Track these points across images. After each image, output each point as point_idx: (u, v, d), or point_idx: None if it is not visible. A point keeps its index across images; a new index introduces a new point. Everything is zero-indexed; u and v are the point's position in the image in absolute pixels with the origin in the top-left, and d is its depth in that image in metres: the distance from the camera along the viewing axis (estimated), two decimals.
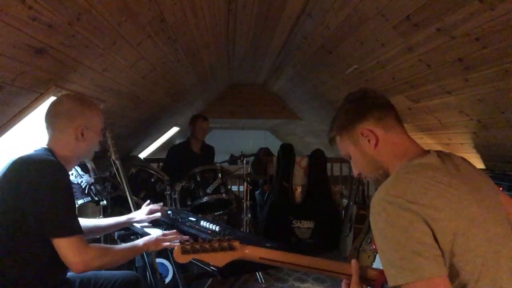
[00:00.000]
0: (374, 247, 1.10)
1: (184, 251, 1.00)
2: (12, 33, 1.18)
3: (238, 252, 1.05)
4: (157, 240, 1.55)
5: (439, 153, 0.97)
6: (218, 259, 1.03)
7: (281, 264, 1.09)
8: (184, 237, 1.64)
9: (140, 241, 1.53)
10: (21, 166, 1.25)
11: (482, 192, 0.91)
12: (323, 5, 2.02)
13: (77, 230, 1.25)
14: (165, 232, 1.65)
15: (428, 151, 0.98)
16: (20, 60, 1.34)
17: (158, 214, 1.89)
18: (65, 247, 1.22)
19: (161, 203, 1.97)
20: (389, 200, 0.84)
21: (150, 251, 1.57)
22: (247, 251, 1.06)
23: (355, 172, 1.11)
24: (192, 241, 1.02)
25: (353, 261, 1.06)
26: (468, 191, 0.87)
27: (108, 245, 1.43)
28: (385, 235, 0.83)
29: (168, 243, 1.57)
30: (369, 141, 1.01)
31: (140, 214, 1.83)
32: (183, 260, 1.01)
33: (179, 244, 1.01)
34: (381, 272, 1.04)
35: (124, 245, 1.50)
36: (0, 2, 1.05)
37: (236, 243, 1.04)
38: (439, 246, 0.81)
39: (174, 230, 1.69)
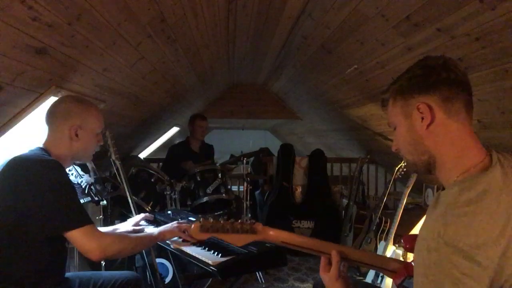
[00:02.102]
0: (407, 246, 1.07)
1: (204, 229, 0.99)
2: (12, 33, 1.18)
3: (260, 235, 1.04)
4: (172, 227, 1.59)
5: (501, 163, 0.83)
6: (237, 240, 1.04)
7: (301, 248, 1.08)
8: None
9: (155, 230, 1.57)
10: (18, 166, 1.25)
11: None
12: (323, 5, 2.02)
13: (88, 219, 1.27)
14: (180, 221, 1.68)
15: (490, 157, 0.84)
16: (20, 60, 1.34)
17: (144, 224, 1.90)
18: (80, 237, 1.24)
19: (147, 213, 1.97)
20: (446, 241, 0.72)
21: (166, 239, 1.61)
22: (271, 232, 1.06)
23: (394, 147, 0.98)
24: (213, 220, 1.02)
25: (334, 252, 1.04)
26: None
27: (124, 233, 1.46)
28: (427, 275, 0.74)
29: (183, 233, 1.60)
30: (422, 119, 0.87)
31: (126, 226, 1.83)
32: (201, 237, 1.01)
33: (194, 223, 1.01)
34: (404, 266, 1.03)
35: (139, 234, 1.52)
36: (0, 2, 1.05)
37: (258, 226, 1.05)
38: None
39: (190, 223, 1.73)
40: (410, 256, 1.06)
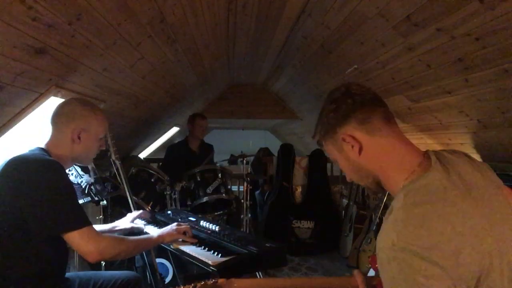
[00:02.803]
0: (376, 266, 1.06)
1: None
2: (12, 33, 1.18)
3: None
4: (172, 230, 1.59)
5: (441, 161, 0.85)
6: None
7: None
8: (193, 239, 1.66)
9: (154, 233, 1.56)
10: (18, 166, 1.25)
11: (490, 205, 0.80)
12: (323, 5, 2.02)
13: (86, 221, 1.27)
14: (179, 222, 1.68)
15: (428, 159, 0.85)
16: (20, 60, 1.34)
17: (143, 223, 1.90)
18: (78, 238, 1.24)
19: (143, 211, 1.97)
20: (401, 247, 0.72)
21: (165, 242, 1.61)
22: (235, 285, 1.03)
23: (347, 178, 1.02)
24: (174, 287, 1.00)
25: (356, 271, 1.04)
26: (480, 214, 0.76)
27: (121, 236, 1.45)
28: (395, 286, 0.73)
29: (183, 235, 1.60)
30: (352, 147, 0.90)
31: (124, 222, 1.84)
32: None
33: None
34: (378, 282, 1.03)
35: (138, 236, 1.52)
36: (0, 2, 1.05)
37: (222, 281, 1.01)
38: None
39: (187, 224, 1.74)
40: None
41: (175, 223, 1.68)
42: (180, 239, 1.64)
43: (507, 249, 0.76)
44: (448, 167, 0.83)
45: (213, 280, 1.01)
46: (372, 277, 1.09)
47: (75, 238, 1.24)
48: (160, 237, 1.55)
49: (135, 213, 1.91)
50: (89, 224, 1.28)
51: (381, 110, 0.90)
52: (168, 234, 1.58)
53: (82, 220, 1.26)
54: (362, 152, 0.89)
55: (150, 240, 1.53)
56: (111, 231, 1.79)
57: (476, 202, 0.78)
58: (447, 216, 0.74)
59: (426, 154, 0.88)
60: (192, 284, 1.01)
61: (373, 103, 0.90)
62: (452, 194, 0.77)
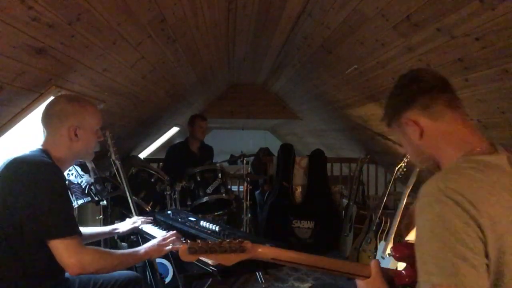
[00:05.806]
0: (397, 255, 1.07)
1: (192, 251, 0.97)
2: (12, 33, 1.18)
3: (249, 253, 1.02)
4: (159, 246, 1.53)
5: (508, 153, 0.88)
6: (227, 259, 1.01)
7: (292, 264, 1.07)
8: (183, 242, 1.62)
9: (141, 249, 1.51)
10: (16, 167, 1.24)
11: None
12: (323, 5, 2.02)
13: (73, 231, 1.24)
14: (164, 235, 1.63)
15: (495, 148, 0.89)
16: (20, 60, 1.34)
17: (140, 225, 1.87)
18: (60, 248, 1.20)
19: (142, 217, 1.92)
20: (447, 194, 0.76)
21: (153, 258, 1.55)
22: (260, 250, 1.04)
23: (412, 159, 1.09)
24: (200, 241, 0.99)
25: (374, 261, 1.06)
26: None
27: (107, 249, 1.42)
28: (432, 229, 0.77)
29: (170, 247, 1.55)
30: (413, 131, 0.96)
31: (124, 226, 1.81)
32: (189, 259, 0.98)
33: (183, 244, 0.99)
34: (398, 273, 1.04)
35: (124, 250, 1.49)
36: (0, 2, 1.05)
37: (247, 244, 1.02)
38: (487, 256, 0.75)
39: (174, 231, 1.68)
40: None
41: (161, 237, 1.59)
42: (169, 246, 1.57)
43: None
44: None
45: (240, 239, 1.02)
46: (389, 268, 1.09)
47: (57, 247, 1.20)
48: (146, 253, 1.49)
49: (136, 220, 1.87)
50: (76, 234, 1.24)
51: (446, 96, 0.94)
52: (156, 250, 1.51)
53: (68, 229, 1.22)
54: (423, 136, 0.95)
55: (136, 255, 1.47)
56: (111, 233, 1.78)
57: None
58: (498, 189, 0.78)
59: (491, 142, 0.91)
60: (220, 239, 1.03)
61: (439, 89, 0.94)
62: (508, 180, 0.80)
